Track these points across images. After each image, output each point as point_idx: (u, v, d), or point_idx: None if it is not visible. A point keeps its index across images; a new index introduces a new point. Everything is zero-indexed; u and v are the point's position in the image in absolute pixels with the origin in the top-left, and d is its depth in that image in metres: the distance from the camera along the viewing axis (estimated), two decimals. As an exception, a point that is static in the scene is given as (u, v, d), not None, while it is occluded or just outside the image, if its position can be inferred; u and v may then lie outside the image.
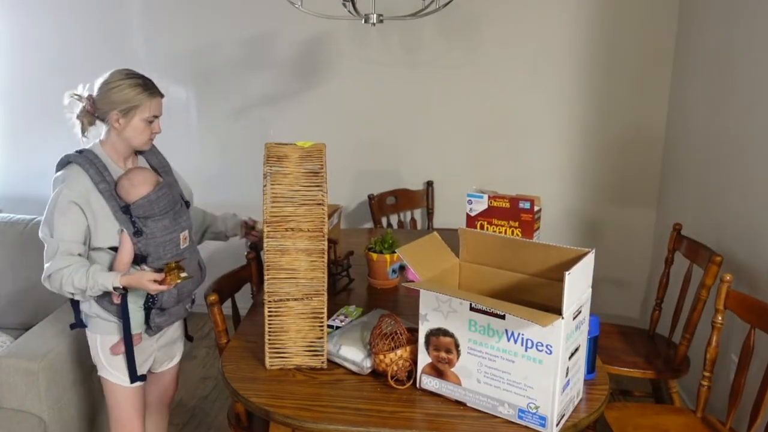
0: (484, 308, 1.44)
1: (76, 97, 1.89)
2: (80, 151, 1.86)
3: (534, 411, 1.43)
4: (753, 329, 1.90)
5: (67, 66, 3.64)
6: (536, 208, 2.05)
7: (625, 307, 3.52)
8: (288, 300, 1.71)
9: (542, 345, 1.39)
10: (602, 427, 2.09)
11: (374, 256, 2.24)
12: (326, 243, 1.70)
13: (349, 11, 2.29)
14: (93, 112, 1.86)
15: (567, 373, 1.44)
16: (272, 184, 1.69)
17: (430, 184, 3.56)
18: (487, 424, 1.47)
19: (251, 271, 2.29)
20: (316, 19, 2.65)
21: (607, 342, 2.48)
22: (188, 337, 2.24)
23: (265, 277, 1.71)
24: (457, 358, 1.51)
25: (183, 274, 1.79)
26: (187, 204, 2.01)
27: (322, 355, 1.72)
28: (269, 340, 1.72)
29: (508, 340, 1.43)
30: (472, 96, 3.41)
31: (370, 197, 3.37)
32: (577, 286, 1.44)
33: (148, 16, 3.56)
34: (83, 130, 1.89)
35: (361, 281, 2.33)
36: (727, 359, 2.35)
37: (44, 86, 3.70)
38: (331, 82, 3.49)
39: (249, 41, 3.51)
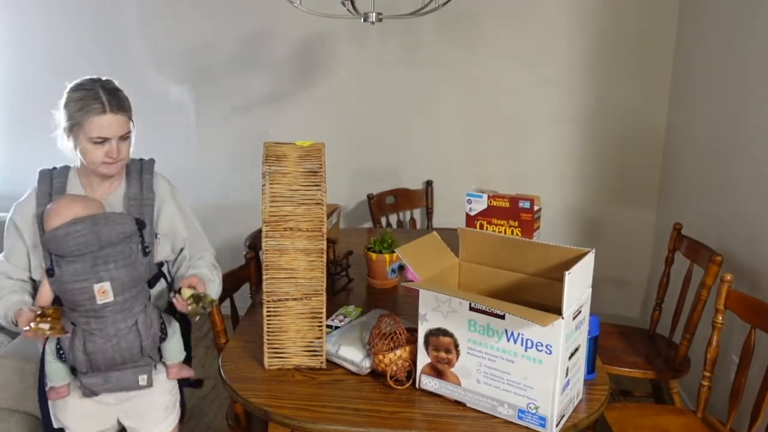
0: (483, 308, 1.43)
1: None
2: (53, 168, 1.74)
3: (534, 411, 1.42)
4: (753, 329, 1.89)
5: (65, 65, 3.64)
6: (536, 208, 2.05)
7: (625, 307, 3.51)
8: (287, 300, 1.70)
9: (542, 345, 1.38)
10: (602, 428, 2.09)
11: (373, 255, 2.24)
12: (325, 242, 1.69)
13: (348, 10, 2.28)
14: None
15: (567, 374, 1.43)
16: (271, 184, 1.68)
17: (429, 183, 3.55)
18: (487, 425, 1.46)
19: (250, 271, 2.28)
20: (315, 18, 2.64)
21: (607, 342, 2.47)
22: (195, 384, 1.94)
23: (264, 277, 1.70)
24: (457, 358, 1.51)
25: (44, 325, 1.47)
26: (145, 251, 1.63)
27: (321, 355, 1.72)
28: (268, 340, 1.72)
29: (508, 340, 1.42)
30: (472, 95, 3.40)
31: (369, 197, 3.36)
32: (577, 286, 1.43)
33: (146, 14, 3.56)
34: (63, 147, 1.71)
35: (361, 281, 2.32)
36: (728, 359, 2.34)
37: (42, 86, 3.69)
38: (331, 81, 3.48)
39: (248, 40, 3.50)
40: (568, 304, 1.37)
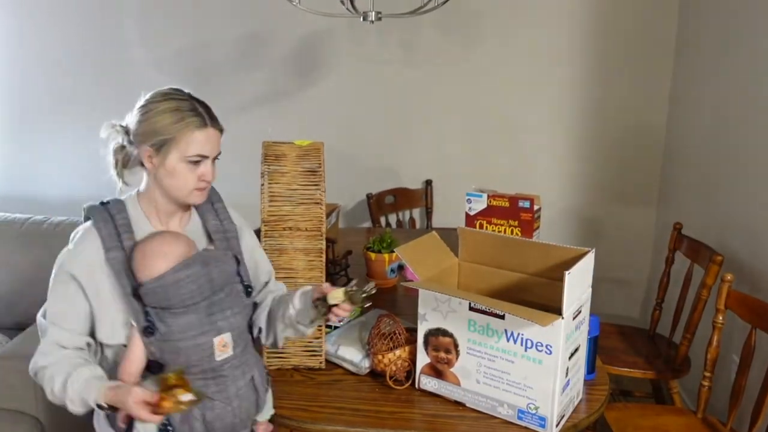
0: (483, 308, 1.43)
1: (115, 128, 1.41)
2: (106, 202, 1.39)
3: (534, 411, 1.42)
4: (754, 329, 1.89)
5: (64, 65, 3.63)
6: (536, 207, 2.04)
7: (625, 307, 3.51)
8: (286, 300, 1.70)
9: (542, 345, 1.38)
10: (602, 428, 2.08)
11: (373, 255, 2.23)
12: (324, 242, 1.69)
13: (347, 9, 2.28)
14: (126, 147, 1.39)
15: (567, 374, 1.43)
16: (270, 183, 1.68)
17: (429, 182, 3.55)
18: (487, 425, 1.46)
19: (249, 271, 2.28)
20: (314, 17, 2.64)
21: (607, 342, 2.47)
22: None
23: (263, 277, 1.70)
24: (456, 358, 1.50)
25: (185, 397, 1.17)
26: (248, 291, 1.40)
27: (321, 355, 1.71)
28: (267, 340, 1.71)
29: (508, 340, 1.42)
30: (472, 94, 3.39)
31: (369, 196, 3.35)
32: (577, 286, 1.43)
33: (145, 14, 3.55)
34: (120, 175, 1.40)
35: (360, 281, 2.31)
36: (728, 359, 2.33)
37: (41, 85, 3.69)
38: (330, 80, 3.47)
39: (246, 39, 3.50)
40: (568, 304, 1.37)
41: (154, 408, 1.16)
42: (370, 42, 3.40)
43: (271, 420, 1.48)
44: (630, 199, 3.39)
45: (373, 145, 3.55)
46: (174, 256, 1.27)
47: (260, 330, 1.45)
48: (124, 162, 1.39)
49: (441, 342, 1.51)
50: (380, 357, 1.60)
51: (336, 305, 1.32)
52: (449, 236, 1.77)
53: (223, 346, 1.28)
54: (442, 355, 1.52)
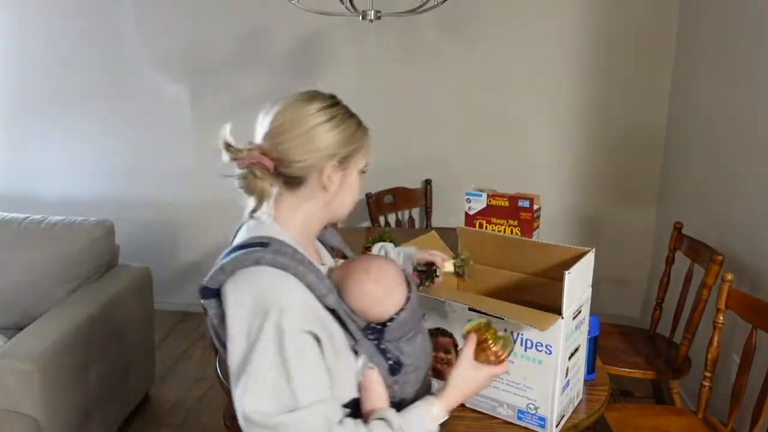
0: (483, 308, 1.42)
1: (239, 152, 1.17)
2: (262, 244, 1.08)
3: (533, 412, 1.41)
4: (755, 329, 1.88)
5: (62, 63, 3.62)
6: (536, 207, 2.04)
7: (625, 307, 3.50)
8: (284, 299, 1.69)
9: (542, 345, 1.37)
10: (602, 428, 2.07)
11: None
12: (323, 242, 1.67)
13: (346, 7, 2.28)
14: (277, 172, 1.13)
15: (567, 374, 1.42)
16: (268, 182, 1.66)
17: (428, 182, 3.54)
18: (487, 425, 1.45)
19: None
20: (313, 16, 2.63)
21: (607, 342, 2.46)
22: None
23: (261, 277, 1.68)
24: (456, 358, 1.49)
25: (502, 333, 1.21)
26: None
27: (319, 356, 1.70)
28: (265, 340, 1.70)
29: (508, 340, 1.41)
30: (471, 94, 3.39)
31: (368, 195, 3.35)
32: (577, 286, 1.42)
33: (142, 11, 3.54)
34: (258, 205, 1.12)
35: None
36: (729, 359, 2.33)
37: (38, 84, 3.68)
38: (329, 79, 3.46)
39: (245, 38, 3.49)
40: (568, 304, 1.36)
41: (496, 360, 1.16)
42: (370, 41, 3.40)
43: None
44: (630, 199, 3.39)
45: (372, 144, 3.53)
46: (400, 281, 1.15)
47: None
48: (268, 189, 1.12)
49: (440, 342, 1.51)
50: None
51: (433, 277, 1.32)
52: (449, 236, 1.76)
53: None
54: (442, 355, 1.51)
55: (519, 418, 1.43)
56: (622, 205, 3.41)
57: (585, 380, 1.61)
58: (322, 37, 3.43)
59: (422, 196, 3.54)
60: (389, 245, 1.54)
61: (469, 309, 1.44)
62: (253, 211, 1.11)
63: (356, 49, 3.42)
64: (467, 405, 1.50)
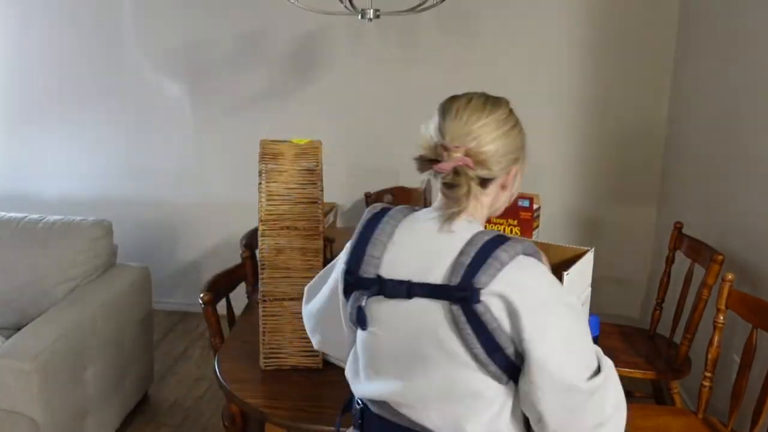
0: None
1: (449, 153, 1.13)
2: (502, 237, 1.11)
3: (533, 413, 1.40)
4: (755, 329, 1.87)
5: (62, 62, 3.61)
6: (535, 206, 2.03)
7: (625, 307, 3.49)
8: (283, 299, 1.69)
9: (542, 346, 1.36)
10: (602, 428, 2.06)
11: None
12: (322, 241, 1.68)
13: (345, 6, 2.27)
14: (482, 173, 1.14)
15: (567, 375, 1.41)
16: (267, 182, 1.67)
17: (427, 181, 3.53)
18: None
19: (246, 270, 2.27)
20: (312, 15, 2.62)
21: (607, 342, 2.45)
22: None
23: (260, 277, 1.69)
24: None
25: None
26: None
27: (318, 356, 1.70)
28: (264, 340, 1.70)
29: (508, 340, 1.40)
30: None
31: (367, 195, 3.34)
32: (577, 286, 1.42)
33: (142, 10, 3.53)
34: (462, 205, 1.13)
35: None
36: (729, 360, 2.32)
37: (36, 84, 3.67)
38: (328, 78, 3.46)
39: (244, 37, 3.48)
40: (569, 304, 1.35)
41: None
42: (369, 40, 3.39)
43: None
44: (630, 198, 3.38)
45: (372, 143, 3.53)
46: None
47: None
48: (472, 191, 1.13)
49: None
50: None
51: None
52: (448, 235, 1.75)
53: None
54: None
55: (519, 419, 1.43)
56: (622, 204, 3.40)
57: (585, 380, 1.60)
58: (322, 37, 3.42)
59: (422, 196, 3.54)
60: None
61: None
62: (454, 211, 1.14)
63: (355, 48, 3.41)
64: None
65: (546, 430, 1.10)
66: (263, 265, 1.68)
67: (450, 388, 1.11)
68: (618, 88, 3.27)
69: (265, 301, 1.69)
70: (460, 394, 1.10)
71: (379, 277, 1.14)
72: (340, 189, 3.56)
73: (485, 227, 1.18)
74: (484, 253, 1.08)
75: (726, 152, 2.53)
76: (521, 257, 1.09)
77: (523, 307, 1.06)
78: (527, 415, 1.13)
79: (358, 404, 1.24)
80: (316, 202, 1.67)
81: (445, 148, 1.13)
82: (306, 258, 1.67)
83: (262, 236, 1.66)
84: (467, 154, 1.12)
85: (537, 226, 2.07)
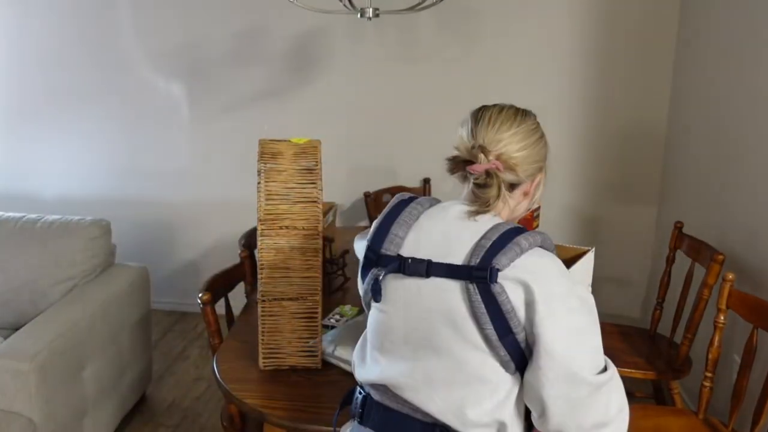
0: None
1: (485, 156, 1.20)
2: (523, 228, 1.17)
3: (534, 413, 1.39)
4: (756, 329, 1.87)
5: (59, 62, 3.60)
6: (535, 206, 2.02)
7: (625, 307, 3.49)
8: (282, 299, 1.68)
9: (542, 346, 1.35)
10: (602, 429, 2.06)
11: (371, 254, 2.21)
12: (321, 241, 1.67)
13: (344, 5, 2.26)
14: (510, 178, 1.23)
15: (568, 375, 1.40)
16: (266, 182, 1.66)
17: (427, 181, 3.53)
18: (486, 427, 1.43)
19: (245, 270, 2.26)
20: (311, 14, 2.62)
21: (607, 342, 2.41)
22: None
23: (259, 276, 1.68)
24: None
25: None
26: None
27: (317, 356, 1.69)
28: (263, 340, 1.69)
29: (508, 340, 1.39)
30: (470, 92, 3.37)
31: (366, 195, 3.33)
32: (578, 286, 1.40)
33: (139, 9, 3.52)
34: (490, 206, 1.20)
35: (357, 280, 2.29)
36: (730, 360, 2.32)
37: (35, 83, 3.66)
38: (327, 77, 3.45)
39: (243, 36, 3.47)
40: (569, 304, 1.34)
41: None
42: (368, 39, 3.38)
43: None
44: (631, 198, 3.38)
45: (371, 143, 3.53)
46: None
47: None
48: (500, 195, 1.20)
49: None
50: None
51: None
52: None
53: None
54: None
55: (519, 420, 1.42)
56: (622, 204, 3.40)
57: (585, 381, 1.59)
58: (320, 35, 3.41)
59: (421, 195, 3.53)
60: None
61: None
62: (482, 210, 1.19)
63: (354, 47, 3.40)
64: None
65: (548, 423, 1.11)
66: (262, 264, 1.67)
67: (458, 370, 1.12)
68: (619, 87, 3.27)
69: (263, 300, 1.68)
70: (467, 377, 1.12)
71: (399, 255, 1.18)
72: (340, 188, 3.55)
73: None
74: (506, 238, 1.12)
75: (726, 152, 2.53)
76: (540, 248, 1.14)
77: (539, 293, 1.08)
78: (531, 408, 1.14)
79: (360, 393, 1.25)
80: (315, 202, 1.66)
81: (483, 150, 1.19)
82: (305, 258, 1.66)
83: (261, 236, 1.66)
84: (498, 159, 1.19)
85: (537, 226, 2.06)
